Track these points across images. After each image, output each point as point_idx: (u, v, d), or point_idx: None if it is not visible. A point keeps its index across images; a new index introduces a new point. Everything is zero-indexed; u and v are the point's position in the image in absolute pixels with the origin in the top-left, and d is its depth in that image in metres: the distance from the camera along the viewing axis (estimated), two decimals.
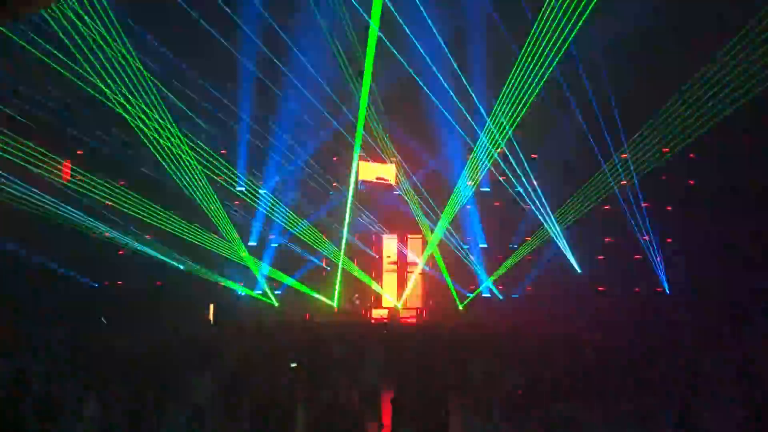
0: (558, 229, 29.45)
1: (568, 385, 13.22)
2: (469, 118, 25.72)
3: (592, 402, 14.79)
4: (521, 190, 28.88)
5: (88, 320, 24.69)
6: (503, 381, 15.13)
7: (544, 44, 20.96)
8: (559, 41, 20.73)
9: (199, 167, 25.38)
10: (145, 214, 26.52)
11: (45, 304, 25.84)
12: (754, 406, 11.22)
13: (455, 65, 22.69)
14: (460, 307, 32.93)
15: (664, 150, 26.39)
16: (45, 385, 12.35)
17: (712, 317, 26.04)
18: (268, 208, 29.75)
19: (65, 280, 28.41)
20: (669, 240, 30.42)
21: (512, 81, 23.13)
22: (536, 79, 22.50)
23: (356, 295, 34.26)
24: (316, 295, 32.19)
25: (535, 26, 20.71)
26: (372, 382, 14.85)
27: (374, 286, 33.98)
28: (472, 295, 32.70)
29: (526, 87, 22.94)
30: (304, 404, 13.37)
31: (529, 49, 21.59)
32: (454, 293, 32.58)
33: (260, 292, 31.64)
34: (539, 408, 12.42)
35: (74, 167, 25.99)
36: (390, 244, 34.09)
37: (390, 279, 34.62)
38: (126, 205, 26.12)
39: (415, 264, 34.09)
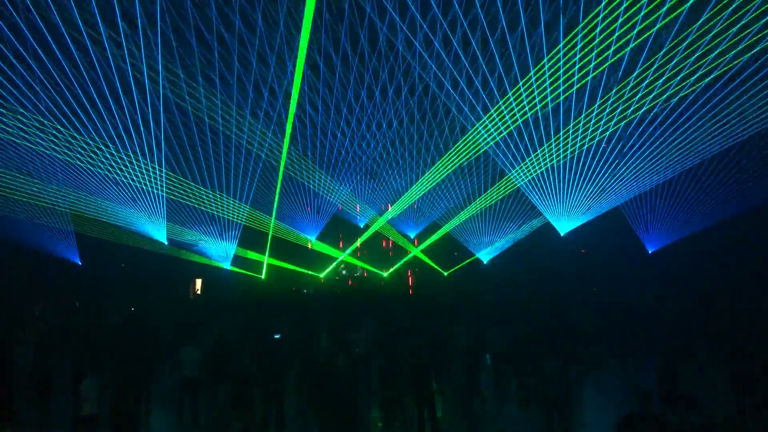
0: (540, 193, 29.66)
1: (554, 343, 13.53)
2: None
3: (581, 358, 15.18)
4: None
5: (74, 298, 24.63)
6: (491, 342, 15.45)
7: None
8: None
9: None
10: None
11: (32, 281, 25.72)
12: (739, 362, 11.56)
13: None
14: (445, 274, 33.36)
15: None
16: (36, 362, 12.36)
17: (694, 277, 26.59)
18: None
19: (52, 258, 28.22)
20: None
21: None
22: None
23: (342, 266, 34.57)
24: (302, 269, 32.42)
25: None
26: (362, 348, 15.06)
27: (360, 258, 34.36)
28: (460, 264, 33.11)
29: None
30: (295, 371, 13.52)
31: None
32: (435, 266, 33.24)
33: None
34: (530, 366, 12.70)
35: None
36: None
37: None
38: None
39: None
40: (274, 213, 29.66)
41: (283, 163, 26.97)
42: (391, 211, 31.92)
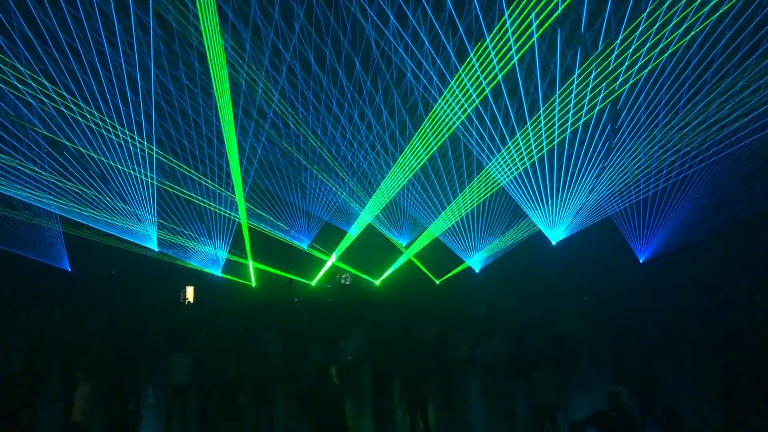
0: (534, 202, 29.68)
1: (546, 352, 13.53)
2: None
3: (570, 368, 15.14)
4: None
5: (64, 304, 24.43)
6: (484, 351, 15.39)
7: None
8: None
9: None
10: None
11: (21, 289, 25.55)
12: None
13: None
14: (437, 282, 33.38)
15: None
16: (27, 367, 12.26)
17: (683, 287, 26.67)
18: None
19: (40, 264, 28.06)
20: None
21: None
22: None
23: (344, 275, 34.66)
24: (293, 277, 32.32)
25: None
26: (353, 356, 15.02)
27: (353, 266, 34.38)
28: (453, 272, 33.15)
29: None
30: (284, 379, 13.47)
31: None
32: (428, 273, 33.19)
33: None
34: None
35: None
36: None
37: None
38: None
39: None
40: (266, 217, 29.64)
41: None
42: (384, 220, 31.95)
